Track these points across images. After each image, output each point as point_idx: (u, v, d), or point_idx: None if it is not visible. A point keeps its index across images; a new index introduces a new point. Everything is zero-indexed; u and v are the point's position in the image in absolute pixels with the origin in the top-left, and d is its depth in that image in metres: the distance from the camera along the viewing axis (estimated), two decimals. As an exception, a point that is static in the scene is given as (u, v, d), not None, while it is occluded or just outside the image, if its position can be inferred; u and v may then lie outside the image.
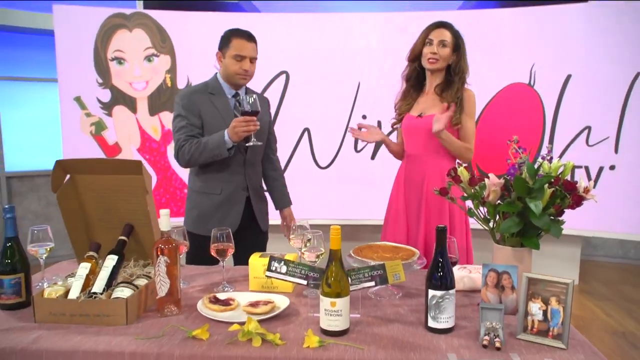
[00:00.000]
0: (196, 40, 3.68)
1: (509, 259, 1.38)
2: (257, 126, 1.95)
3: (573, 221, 3.52)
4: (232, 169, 2.14)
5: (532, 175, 1.32)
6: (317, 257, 1.54)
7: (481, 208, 1.47)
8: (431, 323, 1.25)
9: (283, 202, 2.39)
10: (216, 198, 2.14)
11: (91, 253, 1.48)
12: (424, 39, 2.13)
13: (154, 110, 3.74)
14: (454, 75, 2.13)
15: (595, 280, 4.18)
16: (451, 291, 1.24)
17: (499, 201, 1.40)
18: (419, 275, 1.67)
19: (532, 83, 3.64)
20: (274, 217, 2.40)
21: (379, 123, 3.73)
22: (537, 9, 3.61)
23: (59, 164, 1.51)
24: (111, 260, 1.43)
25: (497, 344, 1.16)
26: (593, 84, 3.54)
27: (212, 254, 1.59)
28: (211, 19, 3.71)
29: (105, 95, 3.68)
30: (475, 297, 1.49)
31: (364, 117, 3.79)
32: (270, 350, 1.17)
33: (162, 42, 3.69)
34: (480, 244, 2.74)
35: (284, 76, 3.76)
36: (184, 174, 3.79)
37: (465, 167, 1.51)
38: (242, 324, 1.24)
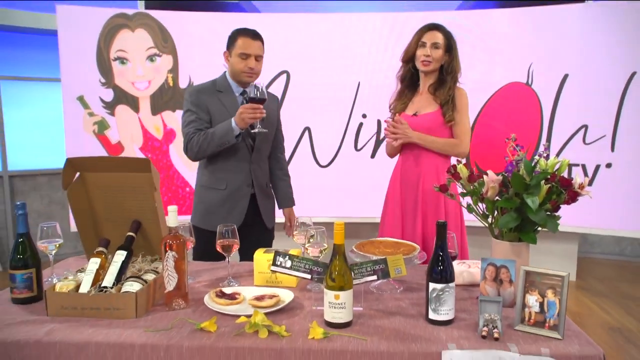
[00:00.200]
0: (198, 40, 3.73)
1: (507, 254, 1.42)
2: (264, 113, 2.00)
3: (570, 218, 3.57)
4: (238, 164, 2.18)
5: (529, 172, 1.36)
6: (320, 252, 1.58)
7: (480, 204, 1.51)
8: (432, 315, 1.29)
9: (286, 202, 2.42)
10: (221, 193, 2.18)
11: (101, 249, 1.52)
12: (417, 41, 2.18)
13: (156, 109, 3.78)
14: (446, 75, 2.18)
15: (592, 276, 4.24)
16: (451, 284, 1.28)
17: (497, 197, 1.44)
18: (419, 270, 1.71)
19: (529, 82, 3.69)
20: (281, 215, 2.43)
21: (379, 122, 3.78)
22: (534, 9, 3.66)
23: (70, 161, 1.54)
24: (120, 256, 1.47)
25: (496, 335, 1.20)
26: (590, 83, 3.59)
27: (218, 249, 1.62)
28: (212, 19, 3.75)
29: (108, 95, 3.72)
30: (475, 291, 1.53)
31: (364, 116, 3.83)
32: (277, 341, 1.21)
33: (164, 42, 3.73)
34: (478, 241, 2.80)
35: (284, 76, 3.81)
36: (186, 172, 3.83)
37: (464, 165, 1.55)
38: (248, 316, 1.28)
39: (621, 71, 3.53)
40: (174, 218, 1.41)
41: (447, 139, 2.19)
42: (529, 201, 1.32)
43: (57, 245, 1.61)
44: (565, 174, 1.43)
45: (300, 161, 3.85)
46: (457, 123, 2.17)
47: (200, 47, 3.72)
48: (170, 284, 1.39)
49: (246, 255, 1.97)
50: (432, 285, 1.29)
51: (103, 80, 3.70)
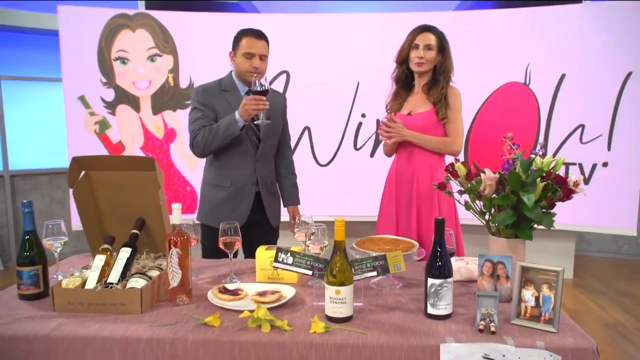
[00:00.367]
0: (198, 40, 3.76)
1: (503, 250, 1.46)
2: (266, 105, 2.02)
3: (567, 217, 3.63)
4: (243, 162, 2.20)
5: (525, 170, 1.40)
6: (321, 249, 1.61)
7: (477, 202, 1.55)
8: (430, 310, 1.33)
9: (290, 200, 2.43)
10: (226, 191, 2.21)
11: (106, 246, 1.54)
12: (410, 43, 2.21)
13: (157, 109, 3.80)
14: (439, 74, 2.22)
15: (589, 274, 4.27)
16: (449, 279, 1.31)
17: (494, 195, 1.48)
18: (418, 267, 1.74)
19: (527, 82, 3.72)
20: (287, 214, 2.44)
21: (378, 122, 3.81)
22: (532, 9, 3.69)
23: (75, 160, 1.57)
24: (125, 253, 1.50)
25: (492, 329, 1.24)
26: (586, 83, 3.63)
27: (220, 246, 1.65)
28: (212, 19, 3.78)
29: (109, 95, 3.75)
30: (472, 286, 1.57)
31: (363, 115, 3.86)
32: (279, 335, 1.24)
33: (164, 42, 3.75)
34: (474, 238, 2.83)
35: (284, 76, 3.84)
36: (186, 171, 3.86)
37: (462, 163, 1.58)
38: (251, 311, 1.31)
39: (617, 71, 3.57)
40: (178, 215, 1.44)
41: (441, 138, 2.22)
42: (525, 198, 1.36)
43: (62, 243, 1.64)
44: (562, 173, 1.46)
45: (300, 160, 3.83)
46: (450, 121, 2.21)
47: (201, 47, 3.75)
48: (174, 280, 1.42)
49: (251, 253, 2.00)
50: (430, 281, 1.32)
51: (104, 80, 3.73)
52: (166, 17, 3.76)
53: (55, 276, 1.66)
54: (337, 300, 1.29)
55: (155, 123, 3.82)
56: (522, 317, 1.30)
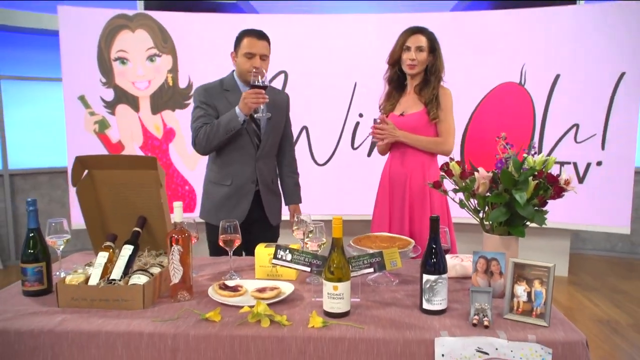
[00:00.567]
0: (197, 41, 3.78)
1: (497, 247, 1.49)
2: (266, 99, 2.05)
3: (562, 216, 3.67)
4: (243, 161, 2.23)
5: (517, 169, 1.44)
6: (319, 246, 1.64)
7: (472, 200, 1.58)
8: (425, 305, 1.36)
9: (292, 198, 2.46)
10: (226, 189, 2.24)
11: (108, 243, 1.57)
12: (401, 45, 2.25)
13: (156, 109, 3.83)
14: (430, 75, 2.26)
15: (584, 272, 4.32)
16: (444, 275, 1.35)
17: (488, 193, 1.51)
18: (414, 264, 1.78)
19: (522, 82, 3.76)
20: (287, 212, 2.47)
21: (375, 121, 3.84)
22: (527, 11, 3.73)
23: (79, 159, 1.60)
24: (127, 250, 1.53)
25: (486, 323, 1.27)
26: (581, 83, 3.67)
27: (220, 244, 1.68)
28: (211, 20, 3.81)
29: (109, 94, 3.77)
30: (467, 283, 1.60)
31: (361, 115, 3.90)
32: (278, 330, 1.27)
33: (163, 43, 3.78)
34: (468, 236, 2.87)
35: (282, 76, 3.87)
36: (185, 171, 3.89)
37: (457, 162, 1.62)
38: (251, 307, 1.34)
39: (611, 72, 3.61)
40: (179, 213, 1.47)
41: (432, 138, 2.27)
42: (517, 196, 1.39)
43: (65, 241, 1.67)
44: (558, 172, 1.49)
45: (298, 159, 3.87)
46: (442, 121, 2.25)
47: (200, 48, 3.78)
48: (175, 277, 1.45)
49: (250, 251, 2.02)
50: (425, 277, 1.35)
51: (104, 80, 3.75)
52: (165, 18, 3.79)
53: (58, 273, 1.69)
54: (335, 295, 1.32)
55: (155, 123, 3.85)
56: (514, 312, 1.33)
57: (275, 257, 1.49)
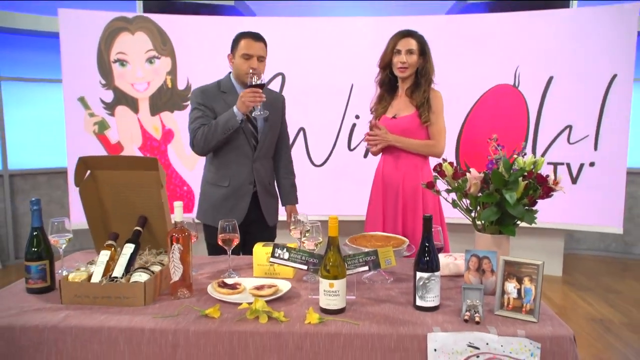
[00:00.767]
0: (195, 43, 3.82)
1: (489, 245, 1.54)
2: (263, 98, 2.08)
3: (556, 216, 3.72)
4: (241, 163, 2.26)
5: (507, 170, 1.48)
6: (316, 245, 1.68)
7: (464, 200, 1.63)
8: (419, 302, 1.40)
9: (288, 199, 2.49)
10: (224, 190, 2.27)
11: (110, 242, 1.61)
12: (392, 48, 2.29)
13: (155, 110, 3.87)
14: (420, 77, 2.30)
15: (578, 272, 4.37)
16: (436, 273, 1.38)
17: (479, 193, 1.56)
18: (409, 263, 1.81)
19: (516, 84, 3.81)
20: (284, 213, 2.49)
21: (369, 127, 3.88)
22: (521, 14, 3.78)
23: (82, 160, 1.64)
24: (129, 249, 1.57)
25: (477, 319, 1.31)
26: (574, 85, 3.73)
27: (219, 243, 1.72)
28: (209, 22, 3.85)
29: (108, 96, 3.81)
30: (460, 281, 1.64)
31: (357, 117, 3.94)
32: (276, 326, 1.30)
33: (162, 45, 3.82)
34: (461, 236, 2.91)
35: (279, 78, 3.91)
36: (184, 171, 3.92)
37: (449, 163, 1.66)
38: (249, 304, 1.37)
39: (603, 74, 3.67)
40: (180, 213, 1.50)
41: (424, 140, 2.31)
42: (508, 196, 1.44)
43: (67, 240, 1.70)
44: (551, 173, 1.54)
45: (295, 160, 3.89)
46: (433, 124, 2.29)
47: (198, 50, 3.82)
48: (176, 275, 1.48)
49: (248, 251, 2.05)
50: (419, 274, 1.39)
51: (103, 82, 3.79)
52: (164, 21, 3.82)
53: (60, 271, 1.72)
54: (331, 292, 1.36)
55: (153, 124, 3.88)
56: (505, 308, 1.37)
57: (272, 255, 1.53)
